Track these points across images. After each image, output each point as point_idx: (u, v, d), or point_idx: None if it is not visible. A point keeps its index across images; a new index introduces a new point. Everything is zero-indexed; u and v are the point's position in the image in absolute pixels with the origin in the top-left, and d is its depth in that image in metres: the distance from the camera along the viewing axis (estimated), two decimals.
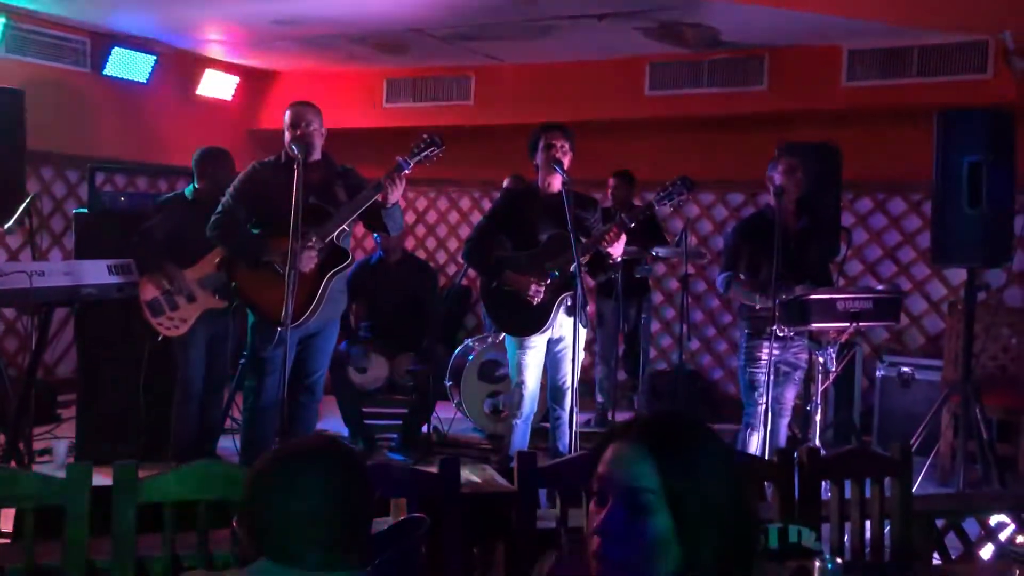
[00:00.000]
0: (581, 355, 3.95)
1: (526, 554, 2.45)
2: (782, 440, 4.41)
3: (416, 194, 8.39)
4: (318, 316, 4.03)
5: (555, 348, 4.38)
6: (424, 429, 5.56)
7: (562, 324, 4.32)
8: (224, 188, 4.26)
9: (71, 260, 4.92)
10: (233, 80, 7.93)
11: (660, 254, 6.37)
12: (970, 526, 3.22)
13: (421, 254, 8.34)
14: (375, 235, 5.88)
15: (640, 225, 4.31)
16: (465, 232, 8.03)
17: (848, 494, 2.78)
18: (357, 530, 1.37)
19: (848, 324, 3.98)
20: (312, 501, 1.37)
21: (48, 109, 6.27)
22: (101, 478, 2.20)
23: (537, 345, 4.32)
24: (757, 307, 4.24)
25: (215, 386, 4.85)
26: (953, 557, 3.12)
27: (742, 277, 4.41)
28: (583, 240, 4.12)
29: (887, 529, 2.81)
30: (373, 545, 1.50)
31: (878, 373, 6.05)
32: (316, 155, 4.08)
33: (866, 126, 6.50)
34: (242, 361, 4.91)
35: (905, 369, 5.93)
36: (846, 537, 2.75)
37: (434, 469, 2.47)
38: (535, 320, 4.27)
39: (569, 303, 4.24)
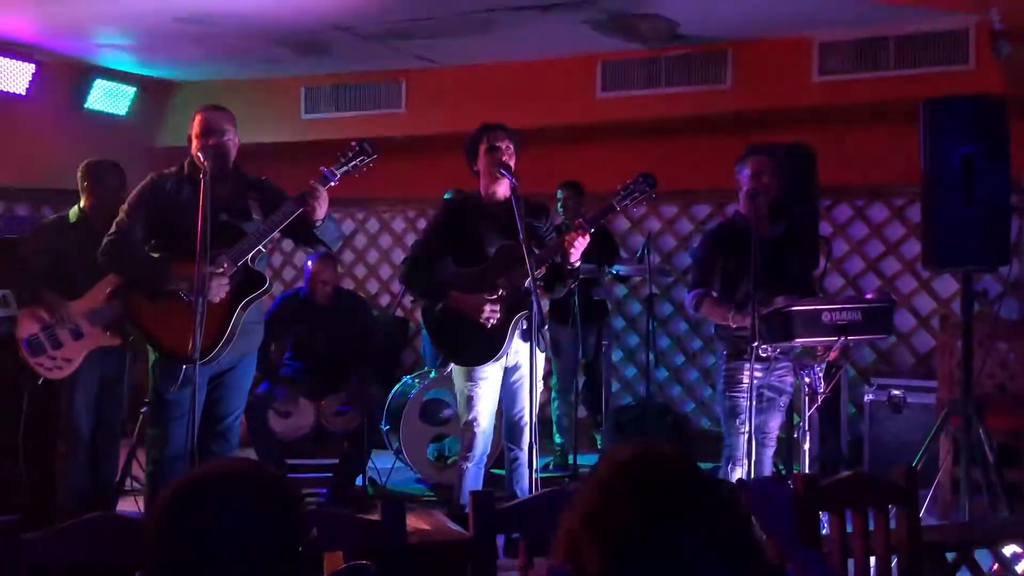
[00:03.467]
0: (540, 384, 3.89)
1: None
2: (768, 474, 4.37)
3: (343, 215, 8.26)
4: (231, 350, 3.92)
5: (510, 378, 4.31)
6: (358, 482, 5.46)
7: (517, 351, 4.26)
8: (114, 206, 4.16)
9: None
10: (128, 91, 7.76)
11: (620, 272, 6.36)
12: (982, 559, 3.20)
13: (349, 284, 8.22)
14: (306, 267, 5.73)
15: (595, 237, 4.27)
16: (399, 257, 7.93)
17: (850, 526, 2.73)
18: (286, 566, 1.27)
19: (836, 338, 3.97)
20: (234, 530, 1.29)
21: None
22: None
23: (490, 376, 4.25)
24: (732, 327, 4.22)
25: (108, 436, 4.72)
26: None
27: (714, 294, 4.38)
28: (536, 251, 4.06)
29: (894, 563, 2.77)
30: None
31: (866, 398, 6.08)
32: (228, 167, 4.00)
33: (842, 125, 6.59)
34: (143, 409, 4.74)
35: (895, 392, 5.96)
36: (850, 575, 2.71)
37: (375, 516, 2.36)
38: (488, 346, 4.20)
39: (525, 326, 4.17)
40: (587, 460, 6.44)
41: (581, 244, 4.04)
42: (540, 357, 3.97)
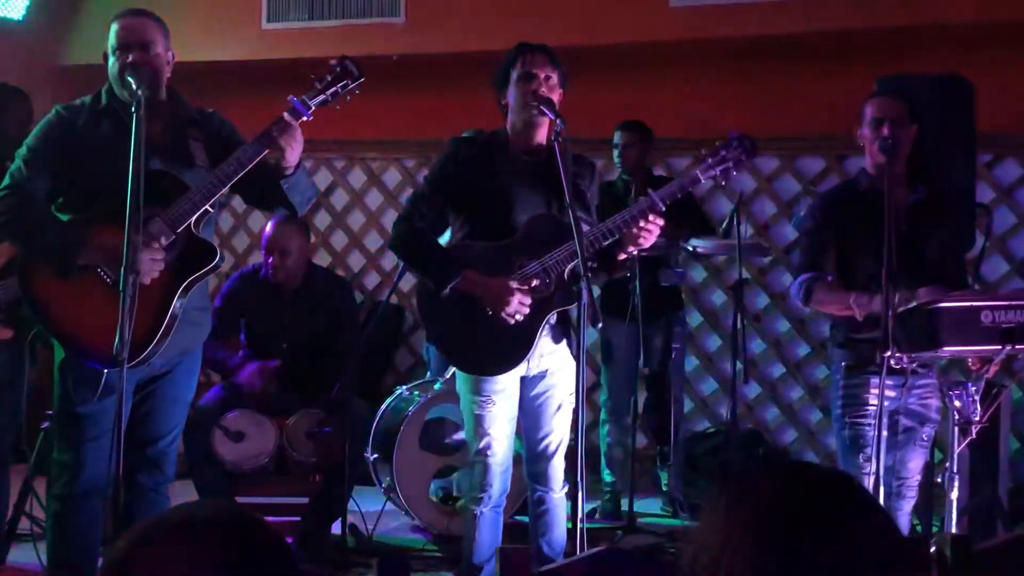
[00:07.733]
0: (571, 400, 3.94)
1: None
2: (904, 531, 4.39)
3: (315, 162, 8.31)
4: (168, 347, 3.95)
5: (532, 391, 4.33)
6: (335, 529, 5.52)
7: (543, 354, 4.29)
8: (11, 147, 4.18)
9: None
10: None
11: (698, 249, 6.35)
12: None
13: (324, 259, 8.27)
14: (264, 234, 5.77)
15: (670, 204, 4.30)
16: (393, 220, 7.96)
17: None
18: None
19: (999, 347, 3.97)
20: None
21: None
22: None
23: (507, 387, 4.27)
24: (859, 318, 4.22)
25: None
26: None
27: (830, 279, 4.41)
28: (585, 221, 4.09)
29: None
30: None
31: None
32: (160, 93, 4.03)
33: (1011, 51, 6.55)
34: (45, 424, 4.81)
35: None
36: None
37: None
38: (511, 348, 4.22)
39: (554, 320, 4.22)
40: (648, 507, 6.45)
41: (653, 232, 4.12)
42: (572, 362, 4.01)
